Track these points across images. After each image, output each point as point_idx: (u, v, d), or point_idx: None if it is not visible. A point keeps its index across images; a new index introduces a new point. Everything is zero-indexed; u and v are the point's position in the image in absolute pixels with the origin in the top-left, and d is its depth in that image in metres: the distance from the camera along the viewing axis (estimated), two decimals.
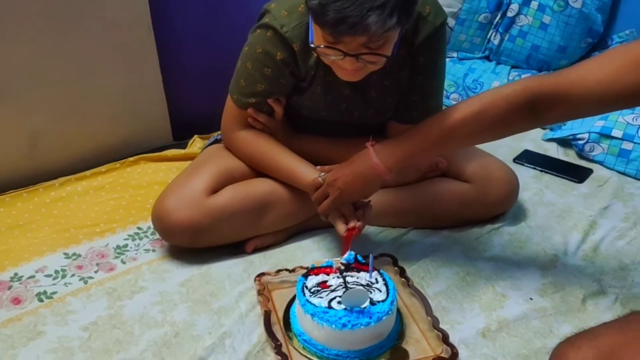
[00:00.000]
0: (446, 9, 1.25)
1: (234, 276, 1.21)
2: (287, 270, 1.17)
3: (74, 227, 1.36)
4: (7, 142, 1.52)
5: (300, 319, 1.02)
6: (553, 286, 1.19)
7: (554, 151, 1.76)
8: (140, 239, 1.34)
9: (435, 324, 1.04)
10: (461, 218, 1.36)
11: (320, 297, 1.00)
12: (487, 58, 2.19)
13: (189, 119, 1.81)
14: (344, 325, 0.95)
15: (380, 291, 1.02)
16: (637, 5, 2.01)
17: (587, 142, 1.70)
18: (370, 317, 0.96)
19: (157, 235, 1.29)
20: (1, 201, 1.43)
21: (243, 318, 1.09)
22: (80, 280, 1.20)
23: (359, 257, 1.08)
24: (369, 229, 1.35)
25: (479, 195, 1.32)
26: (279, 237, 1.31)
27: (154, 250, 1.29)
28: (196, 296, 1.16)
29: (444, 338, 1.01)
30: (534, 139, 1.81)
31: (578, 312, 1.12)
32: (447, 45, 2.10)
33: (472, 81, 2.05)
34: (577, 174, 1.63)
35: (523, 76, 1.97)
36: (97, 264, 1.25)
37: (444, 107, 1.24)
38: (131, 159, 1.60)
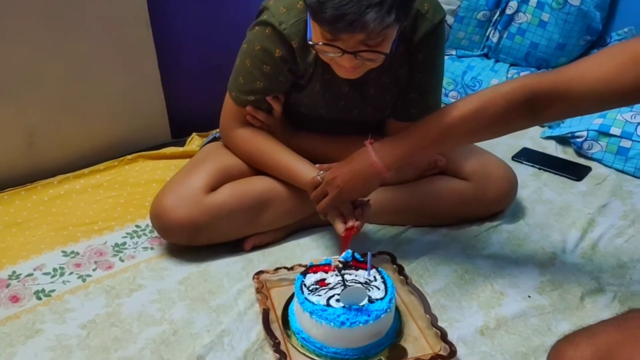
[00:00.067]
0: (445, 7, 1.25)
1: (233, 274, 1.21)
2: (285, 268, 1.17)
3: (72, 225, 1.36)
4: (5, 140, 1.52)
5: (299, 316, 1.02)
6: (551, 284, 1.19)
7: (553, 149, 1.76)
8: (139, 236, 1.33)
9: (433, 321, 1.04)
10: (460, 216, 1.36)
11: (319, 295, 1.00)
12: (486, 56, 2.19)
13: (187, 117, 1.81)
14: (343, 323, 0.95)
15: (379, 289, 1.02)
16: (636, 3, 2.01)
17: (585, 139, 1.69)
18: (369, 315, 0.96)
19: (156, 233, 1.28)
20: None
21: (241, 316, 1.09)
22: (78, 278, 1.20)
23: (357, 255, 1.08)
24: (368, 227, 1.34)
25: (477, 193, 1.32)
26: (278, 235, 1.31)
27: (152, 248, 1.29)
28: (194, 294, 1.16)
29: (443, 336, 1.00)
30: (533, 137, 1.81)
31: (576, 310, 1.12)
32: (446, 42, 2.08)
33: (470, 79, 2.05)
34: (576, 172, 1.63)
35: (522, 74, 1.96)
36: (96, 262, 1.25)
37: (442, 105, 1.24)
38: (129, 156, 1.60)
